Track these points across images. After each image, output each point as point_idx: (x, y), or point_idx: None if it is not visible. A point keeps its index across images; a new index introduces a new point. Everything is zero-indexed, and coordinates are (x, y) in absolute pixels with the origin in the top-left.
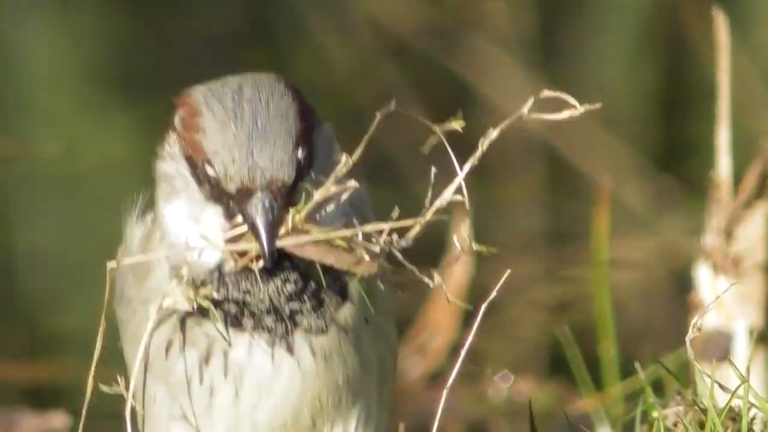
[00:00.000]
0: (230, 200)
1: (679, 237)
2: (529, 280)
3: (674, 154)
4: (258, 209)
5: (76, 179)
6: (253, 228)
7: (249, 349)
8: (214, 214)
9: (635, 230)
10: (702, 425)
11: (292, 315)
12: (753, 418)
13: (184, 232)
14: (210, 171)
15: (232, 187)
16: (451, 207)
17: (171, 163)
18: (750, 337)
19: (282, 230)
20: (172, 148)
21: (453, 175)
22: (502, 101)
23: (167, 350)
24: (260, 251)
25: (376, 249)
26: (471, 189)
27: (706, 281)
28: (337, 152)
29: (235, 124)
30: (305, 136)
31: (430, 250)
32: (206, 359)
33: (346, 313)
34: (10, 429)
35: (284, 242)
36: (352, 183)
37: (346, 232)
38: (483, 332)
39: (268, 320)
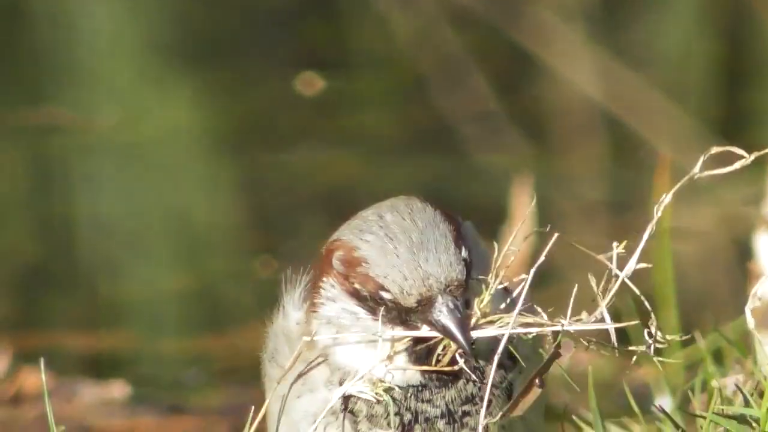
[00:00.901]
0: (410, 316)
1: (739, 206)
2: (592, 249)
3: (736, 123)
4: (443, 311)
5: (136, 148)
6: (444, 330)
7: None
8: (393, 336)
9: (696, 199)
10: (762, 394)
11: (464, 415)
12: None
13: (361, 364)
14: (386, 295)
15: (412, 302)
16: (512, 175)
17: (332, 306)
18: None
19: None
20: (329, 292)
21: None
22: (563, 71)
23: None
24: (460, 348)
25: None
26: (532, 158)
27: (766, 250)
28: (481, 244)
29: (393, 244)
30: (458, 236)
31: (492, 218)
32: None
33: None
34: (70, 398)
35: (478, 334)
36: (523, 276)
37: (529, 319)
38: (543, 301)
39: (440, 424)
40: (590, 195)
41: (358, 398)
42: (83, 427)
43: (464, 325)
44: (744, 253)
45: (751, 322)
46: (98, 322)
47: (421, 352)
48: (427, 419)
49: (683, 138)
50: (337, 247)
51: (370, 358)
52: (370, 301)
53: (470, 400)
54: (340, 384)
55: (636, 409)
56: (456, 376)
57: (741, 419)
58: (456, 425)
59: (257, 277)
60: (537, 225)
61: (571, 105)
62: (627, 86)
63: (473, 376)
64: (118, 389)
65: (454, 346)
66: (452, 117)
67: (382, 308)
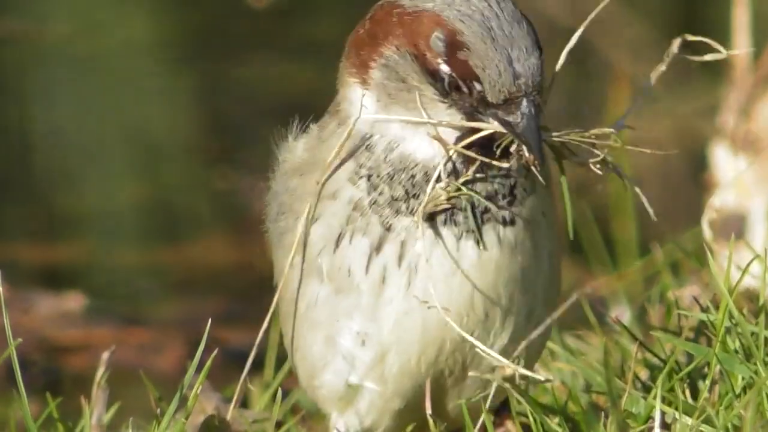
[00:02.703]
0: (483, 110)
1: (694, 116)
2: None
3: (691, 33)
4: (526, 114)
5: (92, 59)
6: (524, 132)
7: (434, 241)
8: (451, 116)
9: (652, 111)
10: (718, 306)
11: (486, 210)
12: None
13: (401, 132)
14: (477, 86)
15: (500, 98)
16: None
17: (391, 74)
18: (767, 217)
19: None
20: (393, 61)
21: None
22: None
23: (338, 242)
24: (533, 154)
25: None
26: None
27: (723, 161)
28: None
29: (492, 35)
30: (537, 35)
31: None
32: (378, 248)
33: (530, 204)
34: (27, 310)
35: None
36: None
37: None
38: None
39: (460, 216)
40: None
41: (381, 182)
42: (40, 338)
43: (539, 130)
44: (700, 164)
45: (707, 233)
46: (54, 233)
47: (473, 146)
48: (449, 209)
49: (638, 46)
50: (434, 23)
51: (415, 132)
52: (449, 85)
53: (495, 195)
54: (369, 173)
55: (593, 321)
56: (500, 174)
57: (698, 330)
58: (476, 218)
59: (214, 189)
60: None
61: (530, 15)
62: None
63: (536, 171)
64: (74, 301)
65: (509, 143)
66: None
67: (455, 94)
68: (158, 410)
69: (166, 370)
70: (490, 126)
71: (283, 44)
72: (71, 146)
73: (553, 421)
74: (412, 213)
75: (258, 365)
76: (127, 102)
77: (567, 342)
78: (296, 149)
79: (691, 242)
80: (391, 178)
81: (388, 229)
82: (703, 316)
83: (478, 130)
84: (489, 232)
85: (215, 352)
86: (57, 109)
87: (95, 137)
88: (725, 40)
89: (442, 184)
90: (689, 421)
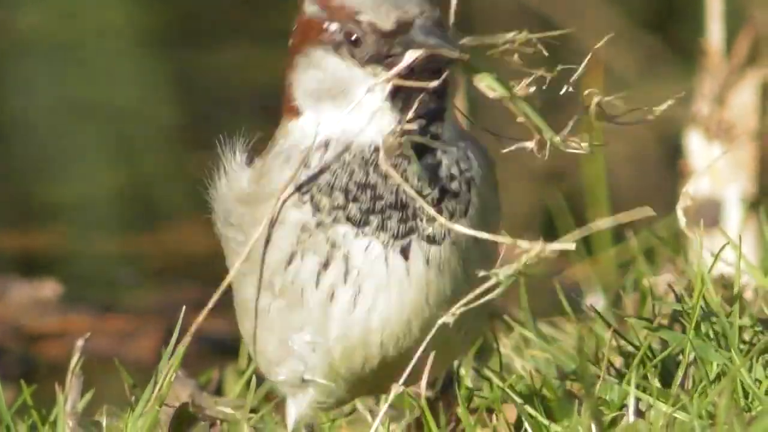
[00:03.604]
0: (389, 48)
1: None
2: (520, 147)
3: (665, 19)
4: (423, 29)
5: (66, 47)
6: (425, 44)
7: (366, 252)
8: (370, 74)
9: (627, 97)
10: (692, 293)
11: (415, 217)
12: (744, 286)
13: (337, 130)
14: (363, 18)
15: (390, 24)
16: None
17: (312, 76)
18: (742, 204)
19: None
20: (304, 64)
21: None
22: None
23: (289, 262)
24: (445, 53)
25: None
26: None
27: (698, 148)
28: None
29: None
30: None
31: None
32: (325, 265)
33: (464, 224)
34: (1, 297)
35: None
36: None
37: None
38: None
39: (394, 220)
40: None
41: (322, 196)
42: (15, 326)
43: (446, 36)
44: (674, 152)
45: (682, 220)
46: (30, 221)
47: (402, 97)
48: (381, 211)
49: (611, 32)
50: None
51: (362, 118)
52: (347, 42)
53: (426, 191)
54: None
55: (568, 308)
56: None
57: (672, 317)
58: (407, 226)
59: (191, 176)
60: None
61: (499, 2)
62: None
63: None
64: (50, 289)
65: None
66: None
67: (356, 47)
68: (132, 398)
69: (142, 358)
70: (404, 60)
71: (257, 32)
72: (46, 134)
73: (528, 408)
74: (349, 220)
75: (232, 353)
76: (102, 90)
77: (541, 329)
78: (241, 180)
79: (666, 230)
80: (331, 186)
81: (333, 245)
82: (677, 305)
83: (405, 87)
84: (416, 248)
85: (188, 339)
86: (32, 97)
87: (70, 125)
88: (699, 27)
89: (390, 130)
90: (663, 408)
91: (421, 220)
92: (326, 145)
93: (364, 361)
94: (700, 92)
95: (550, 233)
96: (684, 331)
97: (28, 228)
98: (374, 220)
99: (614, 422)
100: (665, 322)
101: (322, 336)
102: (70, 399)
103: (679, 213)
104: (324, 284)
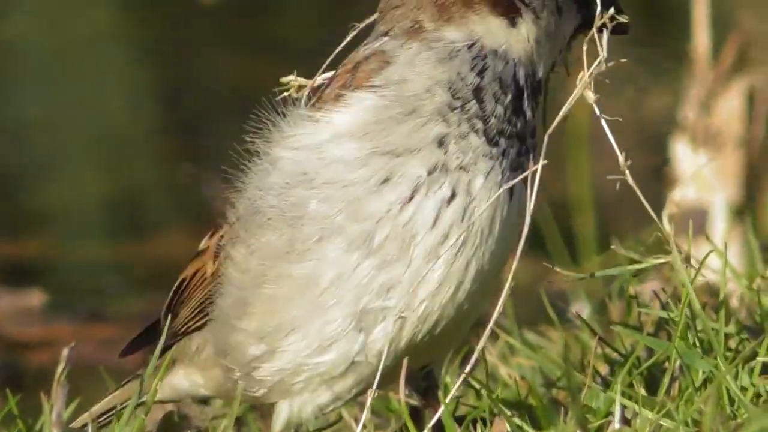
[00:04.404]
0: None
1: (655, 111)
2: None
3: (651, 26)
4: None
5: (54, 55)
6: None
7: (487, 178)
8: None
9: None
10: (680, 300)
11: (527, 152)
12: (730, 294)
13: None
14: None
15: None
16: None
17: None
18: (727, 211)
19: None
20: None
21: None
22: None
23: (410, 198)
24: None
25: None
26: None
27: (684, 156)
28: None
29: None
30: None
31: None
32: (450, 199)
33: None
34: None
35: None
36: None
37: None
38: None
39: (514, 150)
40: None
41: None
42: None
43: None
44: (661, 159)
45: (668, 228)
46: (17, 229)
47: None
48: (510, 136)
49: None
50: None
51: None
52: None
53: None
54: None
55: (553, 316)
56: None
57: (658, 324)
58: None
59: (178, 184)
60: None
61: None
62: None
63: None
64: (34, 297)
65: None
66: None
67: None
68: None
69: (129, 366)
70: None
71: (248, 41)
72: (34, 142)
73: (514, 416)
74: (485, 134)
75: None
76: (90, 98)
77: (527, 337)
78: (335, 119)
79: (652, 237)
80: (483, 94)
81: (462, 168)
82: (663, 313)
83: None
84: (520, 186)
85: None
86: (19, 106)
87: (57, 133)
88: (685, 31)
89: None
90: (649, 415)
91: (527, 160)
92: (488, 56)
93: (432, 326)
94: (687, 99)
95: (537, 242)
96: (670, 339)
97: (15, 236)
98: (503, 143)
99: (600, 430)
100: (651, 329)
101: (409, 297)
102: (55, 408)
103: (665, 220)
104: (443, 222)
